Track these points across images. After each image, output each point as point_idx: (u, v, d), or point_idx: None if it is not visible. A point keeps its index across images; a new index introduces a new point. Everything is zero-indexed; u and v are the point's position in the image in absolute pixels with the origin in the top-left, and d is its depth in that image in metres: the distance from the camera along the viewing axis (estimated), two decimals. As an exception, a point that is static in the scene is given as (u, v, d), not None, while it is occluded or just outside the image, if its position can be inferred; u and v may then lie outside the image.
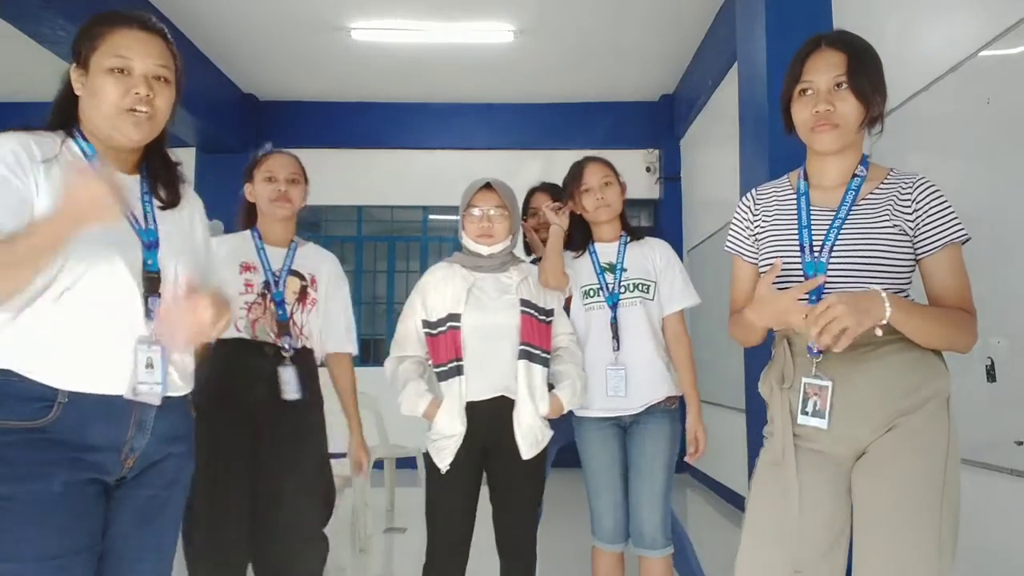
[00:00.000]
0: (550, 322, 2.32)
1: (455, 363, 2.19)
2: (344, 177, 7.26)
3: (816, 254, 1.55)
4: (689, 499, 5.90)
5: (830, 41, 1.60)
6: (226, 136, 6.73)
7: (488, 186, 2.29)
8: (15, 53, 5.60)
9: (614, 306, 2.38)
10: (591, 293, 2.43)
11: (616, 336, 2.36)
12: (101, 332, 1.38)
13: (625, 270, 2.42)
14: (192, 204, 1.64)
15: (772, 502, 1.57)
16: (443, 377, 2.22)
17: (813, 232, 1.58)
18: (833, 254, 1.53)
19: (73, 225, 1.27)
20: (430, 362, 2.31)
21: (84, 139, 1.46)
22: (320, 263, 2.44)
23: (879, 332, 1.42)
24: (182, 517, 1.61)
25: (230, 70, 6.70)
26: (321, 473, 2.38)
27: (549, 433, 2.25)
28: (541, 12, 5.58)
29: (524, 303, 2.25)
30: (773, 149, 3.55)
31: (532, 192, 3.02)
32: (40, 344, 1.34)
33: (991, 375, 2.31)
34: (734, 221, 1.76)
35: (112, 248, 1.40)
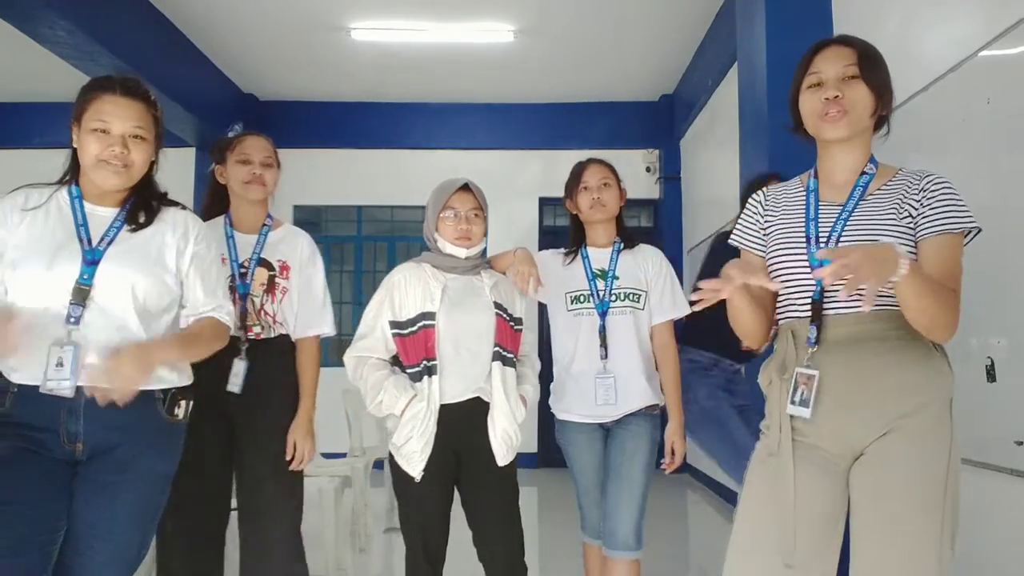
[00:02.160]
0: (520, 330, 2.26)
1: (426, 363, 2.11)
2: (344, 177, 7.27)
3: (822, 245, 1.55)
4: (689, 499, 5.90)
5: (840, 40, 1.62)
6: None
7: (466, 187, 2.23)
8: (15, 53, 5.60)
9: (603, 314, 2.37)
10: (580, 299, 2.41)
11: (604, 344, 2.35)
12: (32, 332, 1.63)
13: (617, 278, 2.40)
14: (171, 226, 1.83)
15: (766, 494, 1.56)
16: (414, 379, 2.13)
17: (820, 225, 1.58)
18: (840, 244, 1.53)
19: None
20: (399, 364, 2.20)
21: (76, 184, 1.79)
22: (293, 246, 2.37)
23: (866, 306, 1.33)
24: (153, 507, 1.78)
25: (230, 70, 6.69)
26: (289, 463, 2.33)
27: (520, 438, 2.19)
28: (541, 12, 5.58)
29: (497, 306, 2.20)
30: (773, 149, 3.55)
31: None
32: None
33: (991, 375, 2.31)
34: (744, 215, 1.77)
35: (54, 259, 1.68)
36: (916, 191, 1.54)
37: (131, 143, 1.74)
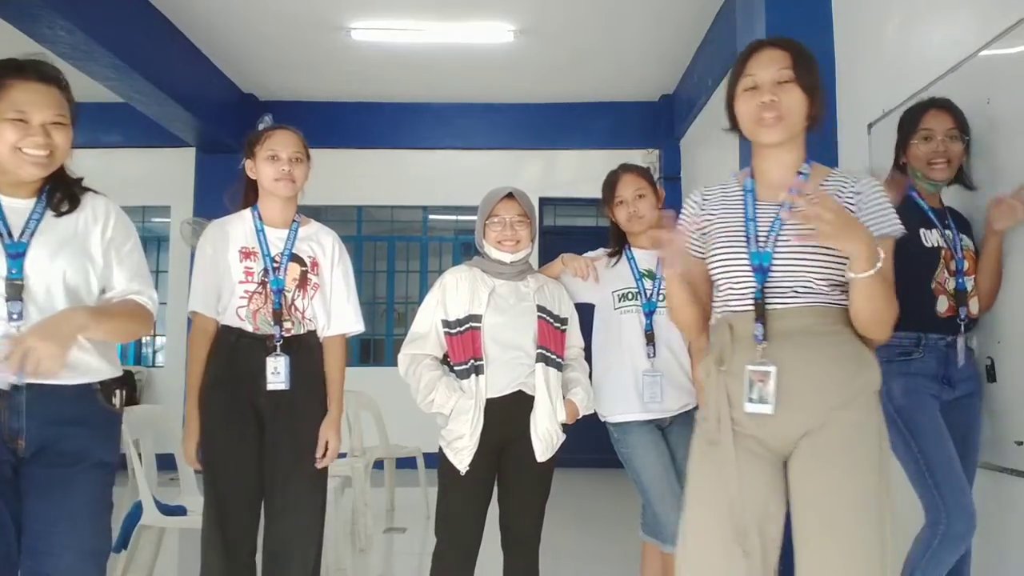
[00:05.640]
0: (564, 330, 2.37)
1: (474, 362, 2.23)
2: (344, 177, 7.26)
3: (762, 244, 1.61)
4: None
5: (772, 42, 1.66)
6: (226, 136, 6.72)
7: (510, 195, 2.34)
8: (15, 53, 5.59)
9: (650, 313, 2.42)
10: (628, 296, 2.46)
11: (652, 343, 2.40)
12: None
13: (663, 279, 2.43)
14: (91, 211, 1.79)
15: (713, 481, 1.59)
16: (461, 376, 2.26)
17: (759, 225, 1.64)
18: (778, 244, 1.60)
19: None
20: (447, 362, 2.34)
21: None
22: (322, 243, 2.39)
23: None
24: (106, 497, 1.76)
25: (230, 70, 6.69)
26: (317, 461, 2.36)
27: (562, 437, 2.28)
28: (541, 12, 5.58)
29: (540, 309, 2.31)
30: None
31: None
32: None
33: (991, 375, 2.31)
34: (681, 217, 1.81)
35: None
36: (850, 192, 1.60)
37: (52, 130, 1.68)
